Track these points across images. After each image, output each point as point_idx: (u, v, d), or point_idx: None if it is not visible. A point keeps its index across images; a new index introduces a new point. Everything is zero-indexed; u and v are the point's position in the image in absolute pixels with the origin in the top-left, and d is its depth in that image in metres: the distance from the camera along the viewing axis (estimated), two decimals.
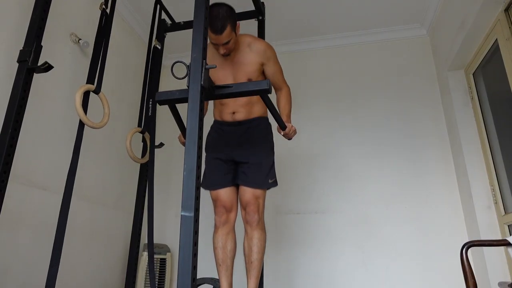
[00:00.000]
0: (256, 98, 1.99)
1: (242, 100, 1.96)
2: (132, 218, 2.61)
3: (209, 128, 2.11)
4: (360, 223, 2.98)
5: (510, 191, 2.39)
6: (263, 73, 2.03)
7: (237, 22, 1.87)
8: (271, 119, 1.94)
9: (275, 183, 2.00)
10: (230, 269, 1.89)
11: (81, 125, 2.11)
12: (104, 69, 2.28)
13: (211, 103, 2.21)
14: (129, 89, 3.22)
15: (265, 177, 1.93)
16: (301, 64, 3.58)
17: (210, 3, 1.60)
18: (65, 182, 1.98)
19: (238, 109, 1.98)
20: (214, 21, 1.73)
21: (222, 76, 1.94)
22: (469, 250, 1.50)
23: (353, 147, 3.20)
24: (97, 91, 2.23)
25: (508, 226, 2.36)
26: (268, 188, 1.98)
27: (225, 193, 1.95)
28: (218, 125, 2.07)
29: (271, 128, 2.09)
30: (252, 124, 1.99)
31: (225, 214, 1.94)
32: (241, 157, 1.96)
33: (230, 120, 2.00)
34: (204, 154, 1.95)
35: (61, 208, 1.91)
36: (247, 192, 1.91)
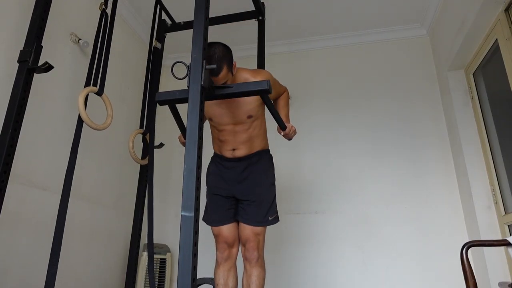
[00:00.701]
0: (256, 132, 1.95)
1: (242, 137, 1.92)
2: (132, 218, 2.61)
3: (209, 160, 2.09)
4: (360, 223, 2.98)
5: (510, 191, 2.39)
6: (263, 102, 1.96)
7: (234, 61, 1.80)
8: (271, 119, 1.94)
9: (276, 220, 1.98)
10: None
11: (80, 124, 2.11)
12: (106, 70, 2.29)
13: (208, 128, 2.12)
14: (129, 89, 3.22)
15: (265, 214, 1.92)
16: (301, 64, 3.58)
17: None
18: (63, 181, 1.98)
19: (238, 146, 1.94)
20: (210, 62, 1.64)
21: (219, 114, 1.89)
22: (469, 250, 1.50)
23: (353, 147, 3.20)
24: (99, 93, 2.23)
25: (508, 226, 2.36)
26: (269, 225, 1.96)
27: (227, 229, 1.94)
28: (218, 159, 2.04)
29: (272, 161, 2.07)
30: (253, 160, 1.96)
31: (227, 250, 1.94)
32: (241, 194, 1.94)
33: (230, 156, 1.96)
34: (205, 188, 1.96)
35: (59, 207, 1.91)
36: (247, 229, 1.90)
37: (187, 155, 1.28)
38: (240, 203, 1.95)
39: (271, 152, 2.10)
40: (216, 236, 1.97)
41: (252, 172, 1.95)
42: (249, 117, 1.89)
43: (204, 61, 1.39)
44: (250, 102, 1.86)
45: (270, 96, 1.92)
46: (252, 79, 1.85)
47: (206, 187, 2.03)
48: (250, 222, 1.90)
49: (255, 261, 1.88)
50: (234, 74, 1.84)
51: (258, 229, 1.91)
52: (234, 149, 1.95)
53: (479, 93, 2.75)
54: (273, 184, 2.02)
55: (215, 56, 1.68)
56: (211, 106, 1.88)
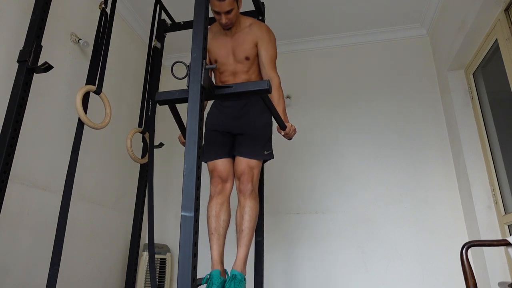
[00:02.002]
0: (256, 76, 2.06)
1: (242, 77, 2.02)
2: (132, 218, 2.60)
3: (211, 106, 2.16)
4: (360, 223, 2.98)
5: (510, 191, 2.39)
6: (257, 52, 2.06)
7: None
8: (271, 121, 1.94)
9: (271, 155, 2.03)
10: (222, 238, 1.87)
11: (80, 124, 2.11)
12: (105, 69, 2.28)
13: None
14: (129, 89, 3.22)
15: (260, 148, 1.96)
16: (301, 64, 3.58)
17: None
18: (64, 182, 1.98)
19: None
20: None
21: (223, 53, 2.02)
22: (469, 250, 1.50)
23: (353, 146, 3.20)
24: (98, 91, 2.23)
25: (508, 226, 2.36)
26: (265, 161, 2.02)
27: (222, 164, 1.97)
28: (217, 101, 2.11)
29: None
30: (251, 100, 2.02)
31: (221, 184, 1.95)
32: (237, 129, 1.99)
33: None
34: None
35: (60, 208, 1.91)
36: (242, 162, 1.92)
37: (187, 155, 1.28)
38: (237, 138, 2.00)
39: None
40: (211, 171, 1.99)
41: (250, 110, 2.01)
42: (247, 58, 2.01)
43: (204, 60, 1.39)
44: (246, 43, 2.01)
45: (260, 54, 2.03)
46: (256, 24, 2.05)
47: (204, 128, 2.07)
48: (245, 154, 1.93)
49: (249, 193, 1.88)
50: (240, 18, 2.01)
51: (253, 162, 1.93)
52: None
53: (479, 93, 2.75)
54: (270, 125, 2.06)
55: None
56: (218, 47, 2.03)
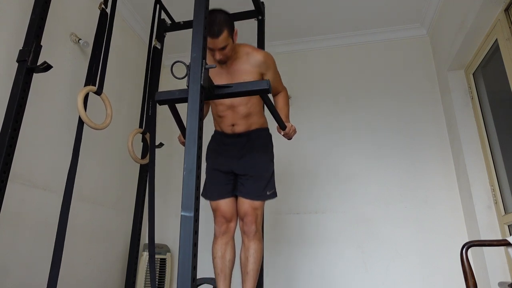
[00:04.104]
0: (255, 109, 1.98)
1: (241, 112, 1.94)
2: (132, 218, 2.60)
3: (210, 137, 2.11)
4: (360, 223, 2.98)
5: (510, 191, 2.39)
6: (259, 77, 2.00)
7: (235, 29, 1.85)
8: (271, 121, 1.94)
9: (274, 195, 1.99)
10: (229, 278, 1.90)
11: (81, 125, 2.11)
12: (105, 70, 2.28)
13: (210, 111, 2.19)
14: (129, 89, 3.22)
15: (263, 189, 1.93)
16: (301, 64, 3.58)
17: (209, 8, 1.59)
18: (65, 182, 1.98)
19: (237, 122, 1.96)
20: (211, 25, 1.71)
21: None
22: (469, 250, 1.50)
23: (353, 147, 3.20)
24: (99, 92, 2.23)
25: (508, 226, 2.36)
26: (267, 199, 1.98)
27: (225, 204, 1.96)
28: (218, 136, 2.07)
29: (271, 138, 2.09)
30: (252, 136, 1.98)
31: (225, 224, 1.95)
32: (240, 169, 1.96)
33: (230, 132, 1.99)
34: (204, 164, 1.95)
35: (61, 209, 1.91)
36: (245, 203, 1.91)
37: (187, 155, 1.27)
38: (239, 178, 1.97)
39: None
40: (214, 211, 1.98)
41: (252, 148, 1.98)
42: None
43: (204, 60, 1.39)
44: (247, 74, 1.90)
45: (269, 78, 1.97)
46: (253, 53, 1.92)
47: (205, 163, 2.04)
48: (248, 196, 1.92)
49: (253, 234, 1.89)
50: (236, 46, 1.90)
51: (257, 203, 1.92)
52: (233, 125, 1.97)
53: (479, 93, 2.75)
54: (272, 161, 2.04)
55: (216, 21, 1.74)
56: (213, 78, 1.89)
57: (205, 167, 2.02)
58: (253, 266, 1.86)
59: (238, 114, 1.95)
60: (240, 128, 1.97)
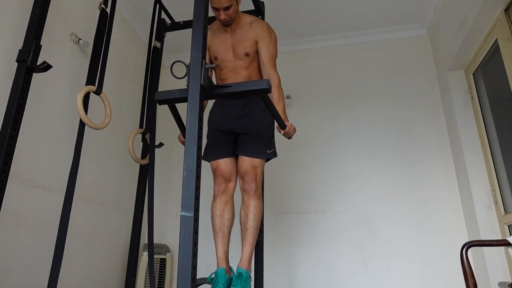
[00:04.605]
0: (256, 72, 2.05)
1: (242, 74, 2.01)
2: (132, 218, 2.60)
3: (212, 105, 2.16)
4: (360, 223, 2.98)
5: (510, 191, 2.39)
6: (257, 50, 2.05)
7: None
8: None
9: (274, 154, 2.03)
10: (227, 237, 1.90)
11: (82, 125, 2.11)
12: (105, 69, 2.28)
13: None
14: (129, 89, 3.21)
15: (263, 147, 1.96)
16: (301, 64, 3.58)
17: None
18: (65, 182, 1.98)
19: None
20: None
21: (223, 49, 2.02)
22: (469, 250, 1.50)
23: (353, 147, 3.20)
24: (98, 92, 2.23)
25: (508, 226, 2.36)
26: (268, 160, 2.01)
27: (225, 163, 1.98)
28: (220, 100, 2.10)
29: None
30: (253, 99, 2.02)
31: (224, 183, 1.96)
32: (240, 128, 1.99)
33: None
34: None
35: (62, 210, 1.91)
36: (245, 161, 1.93)
37: (186, 154, 1.27)
38: (240, 137, 1.99)
39: None
40: (214, 171, 2.00)
41: (252, 109, 2.00)
42: (246, 54, 2.00)
43: (204, 60, 1.39)
44: (246, 40, 2.00)
45: (260, 52, 2.02)
46: (256, 21, 2.05)
47: (207, 127, 2.07)
48: (248, 153, 1.93)
49: (253, 192, 1.89)
50: (241, 14, 2.02)
51: (257, 161, 1.93)
52: None
53: (479, 93, 2.75)
54: (272, 123, 2.06)
55: None
56: (218, 44, 2.02)
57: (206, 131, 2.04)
58: (252, 222, 1.85)
59: (240, 76, 2.01)
60: None
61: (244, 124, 1.99)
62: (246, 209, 1.89)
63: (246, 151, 1.95)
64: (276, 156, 2.05)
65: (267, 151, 1.97)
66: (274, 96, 1.96)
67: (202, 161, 1.36)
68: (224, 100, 2.06)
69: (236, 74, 2.02)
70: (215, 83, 2.10)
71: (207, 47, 1.89)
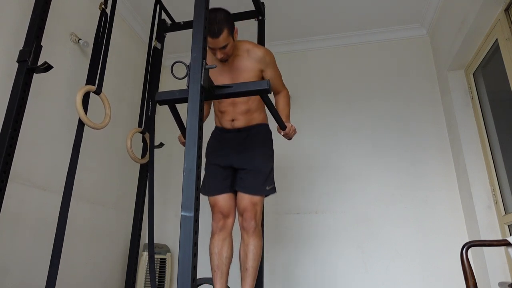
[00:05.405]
0: (255, 105, 1.99)
1: (241, 108, 1.96)
2: (132, 218, 2.60)
3: (210, 134, 2.11)
4: (360, 223, 2.98)
5: (510, 191, 2.39)
6: (262, 78, 2.01)
7: (235, 27, 1.86)
8: (271, 121, 1.94)
9: (273, 190, 1.98)
10: (225, 275, 1.87)
11: (81, 124, 2.11)
12: (105, 69, 2.29)
13: (212, 110, 2.20)
14: (129, 89, 3.22)
15: (262, 183, 1.92)
16: (301, 64, 3.58)
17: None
18: (64, 182, 1.98)
19: (238, 117, 1.97)
20: (211, 25, 1.72)
21: (221, 81, 1.91)
22: (469, 250, 1.50)
23: (353, 147, 3.20)
24: (98, 91, 2.23)
25: (508, 226, 2.36)
26: (267, 195, 1.96)
27: (223, 199, 1.94)
28: (218, 131, 2.07)
29: (271, 134, 2.08)
30: (251, 132, 1.99)
31: (222, 220, 1.93)
32: (239, 163, 1.95)
33: (230, 127, 2.00)
34: (204, 161, 1.96)
35: (60, 208, 1.91)
36: (245, 199, 1.89)
37: (187, 155, 1.27)
38: (238, 172, 1.96)
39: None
40: (212, 206, 1.97)
41: (251, 143, 1.97)
42: None
43: (204, 60, 1.39)
44: (249, 71, 1.92)
45: (266, 76, 1.99)
46: (254, 50, 1.94)
47: (205, 160, 2.04)
48: (247, 190, 1.90)
49: (252, 230, 1.86)
50: (237, 43, 1.90)
51: (256, 198, 1.90)
52: (233, 120, 1.98)
53: (479, 93, 2.75)
54: (271, 156, 2.03)
55: (216, 19, 1.73)
56: (215, 76, 1.91)
57: (204, 163, 2.02)
58: (252, 263, 1.83)
59: (239, 109, 1.97)
60: (240, 123, 1.98)
61: (242, 159, 1.95)
62: (246, 248, 1.86)
63: (245, 188, 1.91)
64: (275, 192, 2.00)
65: (266, 188, 1.93)
66: (280, 102, 2.08)
67: (202, 161, 1.36)
68: (222, 132, 2.03)
69: (235, 107, 1.96)
70: (214, 113, 2.09)
71: None
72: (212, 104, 2.08)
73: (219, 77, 1.92)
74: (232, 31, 1.82)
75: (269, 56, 1.98)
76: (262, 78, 2.00)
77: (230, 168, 1.98)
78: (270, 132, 2.09)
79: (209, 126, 2.01)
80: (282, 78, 2.10)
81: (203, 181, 2.01)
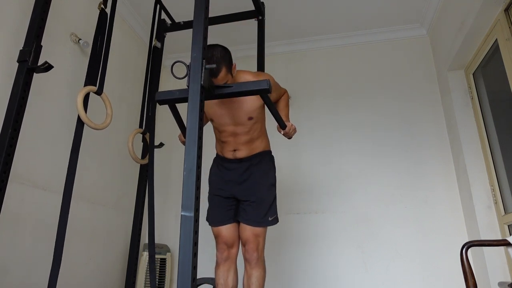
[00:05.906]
0: (257, 134, 1.97)
1: (243, 138, 1.94)
2: (132, 218, 2.60)
3: (211, 157, 2.11)
4: (360, 223, 2.98)
5: (510, 191, 2.39)
6: (263, 106, 1.96)
7: (233, 63, 1.80)
8: (271, 121, 1.94)
9: (275, 221, 1.99)
10: None
11: (80, 124, 2.11)
12: (106, 70, 2.28)
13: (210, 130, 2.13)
14: (129, 89, 3.22)
15: (264, 215, 1.92)
16: (301, 64, 3.58)
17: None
18: (65, 182, 1.98)
19: (239, 147, 1.95)
20: (209, 63, 1.63)
21: (219, 115, 1.91)
22: (469, 250, 1.50)
23: (353, 147, 3.20)
24: (99, 92, 2.23)
25: (508, 226, 2.36)
26: (268, 225, 1.97)
27: (226, 230, 1.95)
28: (219, 160, 2.06)
29: (273, 162, 2.08)
30: (253, 162, 1.97)
31: (227, 250, 1.95)
32: (241, 195, 1.95)
33: (231, 157, 1.98)
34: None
35: (61, 208, 1.91)
36: (247, 230, 1.91)
37: (187, 154, 1.27)
38: (241, 203, 1.96)
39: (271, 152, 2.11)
40: (216, 237, 1.98)
41: (253, 173, 1.96)
42: (250, 118, 1.89)
43: (204, 60, 1.39)
44: (251, 104, 1.87)
45: (271, 98, 1.92)
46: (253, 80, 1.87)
47: (208, 187, 2.04)
48: (249, 222, 1.91)
49: (255, 262, 1.89)
50: (235, 76, 1.84)
51: (258, 230, 1.91)
52: (235, 150, 1.96)
53: (479, 93, 2.75)
54: (274, 185, 2.03)
55: (214, 58, 1.68)
56: (212, 107, 1.89)
57: (206, 190, 2.01)
58: None
59: (240, 140, 1.94)
60: (242, 153, 1.96)
61: (244, 190, 1.94)
62: (249, 280, 1.89)
63: (247, 219, 1.92)
64: (278, 222, 2.01)
65: (268, 219, 1.94)
66: (280, 104, 2.09)
67: (202, 161, 1.36)
68: (224, 162, 2.01)
69: (236, 138, 1.94)
70: (215, 139, 2.07)
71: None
72: (213, 130, 2.05)
73: (218, 110, 1.90)
74: (230, 68, 1.76)
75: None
76: (263, 105, 1.93)
77: (233, 198, 1.98)
78: (273, 159, 2.08)
79: (209, 134, 1.98)
80: (280, 86, 2.07)
81: (207, 211, 2.03)
